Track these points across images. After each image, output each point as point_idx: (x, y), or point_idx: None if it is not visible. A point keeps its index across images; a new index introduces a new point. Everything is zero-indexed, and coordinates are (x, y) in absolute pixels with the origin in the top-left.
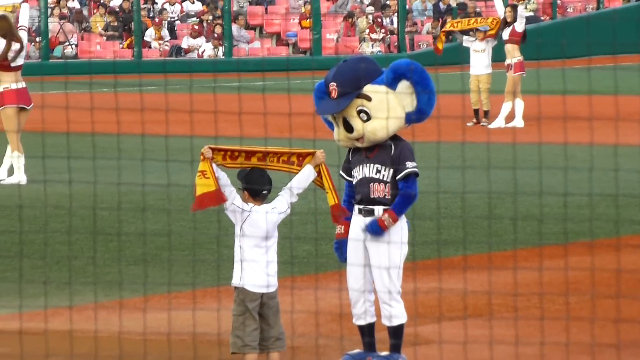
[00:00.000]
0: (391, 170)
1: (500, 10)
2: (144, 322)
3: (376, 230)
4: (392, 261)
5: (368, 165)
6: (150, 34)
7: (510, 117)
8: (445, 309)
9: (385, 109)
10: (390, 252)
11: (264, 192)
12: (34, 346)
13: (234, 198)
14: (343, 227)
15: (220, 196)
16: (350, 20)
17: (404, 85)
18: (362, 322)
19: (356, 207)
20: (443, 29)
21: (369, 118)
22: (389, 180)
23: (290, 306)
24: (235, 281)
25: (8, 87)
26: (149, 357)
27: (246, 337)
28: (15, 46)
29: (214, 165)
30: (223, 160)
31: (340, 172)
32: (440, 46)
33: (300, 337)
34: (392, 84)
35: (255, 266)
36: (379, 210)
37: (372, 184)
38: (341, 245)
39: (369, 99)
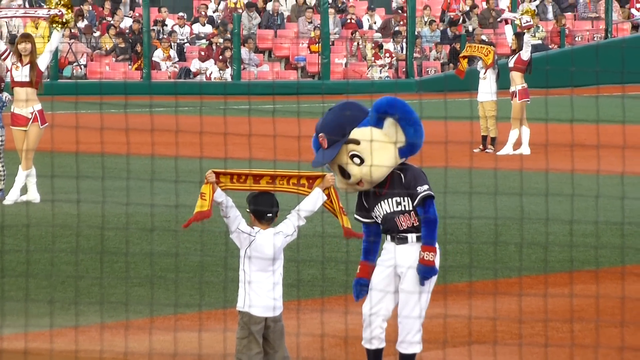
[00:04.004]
0: (409, 198)
1: (510, 39)
2: (149, 343)
3: (427, 272)
4: (422, 287)
5: (385, 201)
6: (158, 54)
7: (518, 144)
8: (450, 334)
9: (376, 149)
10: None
11: (268, 214)
12: None
13: (239, 223)
14: (359, 267)
15: (208, 214)
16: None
17: (389, 122)
18: (370, 346)
19: (387, 236)
20: (461, 54)
21: (362, 161)
22: (411, 208)
23: (296, 329)
24: (240, 305)
25: (41, 107)
26: None
27: None
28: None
29: (218, 189)
30: (231, 183)
31: (356, 216)
32: (462, 68)
33: None
34: (377, 123)
35: (260, 290)
36: (412, 237)
37: (396, 217)
38: (357, 284)
39: (357, 142)
